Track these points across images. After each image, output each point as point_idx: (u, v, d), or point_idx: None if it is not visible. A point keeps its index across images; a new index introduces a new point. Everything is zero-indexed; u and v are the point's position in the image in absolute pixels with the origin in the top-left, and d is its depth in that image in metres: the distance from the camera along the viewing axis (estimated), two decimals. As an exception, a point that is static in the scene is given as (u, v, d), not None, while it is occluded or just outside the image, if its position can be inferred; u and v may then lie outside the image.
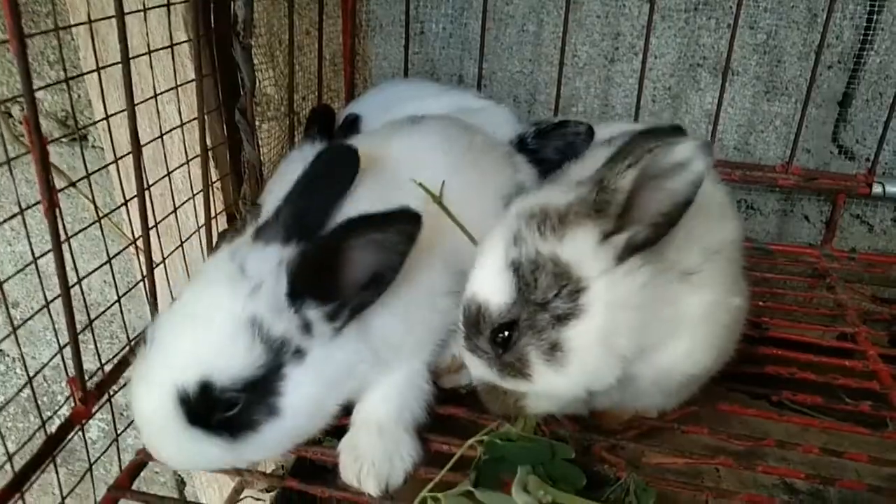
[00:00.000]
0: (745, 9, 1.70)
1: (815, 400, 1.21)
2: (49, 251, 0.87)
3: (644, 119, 1.82)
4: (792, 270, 1.66)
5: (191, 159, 1.26)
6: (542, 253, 0.91)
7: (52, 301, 0.92)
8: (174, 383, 0.88)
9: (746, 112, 1.84)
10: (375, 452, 1.00)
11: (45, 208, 0.83)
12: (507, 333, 0.93)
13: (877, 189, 1.72)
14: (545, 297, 0.90)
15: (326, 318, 0.94)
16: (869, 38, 1.71)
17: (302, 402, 0.93)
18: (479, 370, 0.99)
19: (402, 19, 1.85)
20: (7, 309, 0.97)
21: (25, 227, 0.87)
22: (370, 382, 1.04)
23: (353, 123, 1.58)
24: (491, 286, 0.95)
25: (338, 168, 1.03)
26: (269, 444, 0.95)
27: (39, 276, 0.90)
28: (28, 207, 0.87)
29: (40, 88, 0.82)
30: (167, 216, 1.24)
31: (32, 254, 0.88)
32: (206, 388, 0.88)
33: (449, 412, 1.12)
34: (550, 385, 0.93)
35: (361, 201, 1.01)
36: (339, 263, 0.92)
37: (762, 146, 1.86)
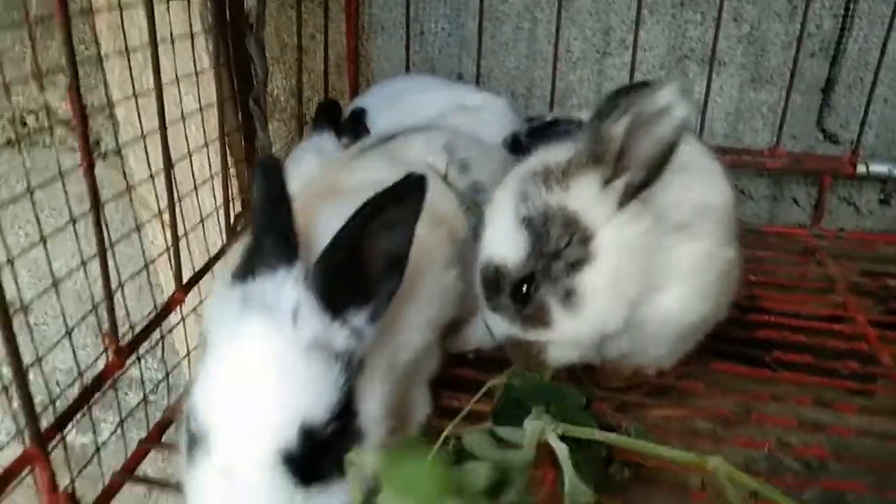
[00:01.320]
0: (729, 2, 1.79)
1: (807, 359, 1.27)
2: (73, 223, 0.93)
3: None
4: (783, 248, 1.72)
5: (209, 142, 1.33)
6: (551, 205, 0.97)
7: (88, 260, 0.98)
8: (272, 447, 0.75)
9: (734, 101, 1.92)
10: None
11: (84, 167, 0.90)
12: (526, 288, 0.98)
13: (861, 169, 1.79)
14: (558, 247, 0.96)
15: (370, 320, 0.85)
16: (847, 26, 1.79)
17: (373, 413, 0.85)
18: (502, 327, 1.03)
19: (402, 21, 1.94)
20: (58, 295, 1.01)
21: (66, 197, 0.93)
22: None
23: (359, 116, 1.66)
24: (505, 244, 0.99)
25: (273, 180, 0.90)
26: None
27: (80, 252, 0.96)
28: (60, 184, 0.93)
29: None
30: (190, 192, 1.31)
31: (72, 223, 0.94)
32: (309, 434, 0.76)
33: (458, 372, 1.18)
34: (569, 331, 0.98)
35: (332, 220, 0.86)
36: (360, 257, 0.83)
37: (750, 133, 1.94)
